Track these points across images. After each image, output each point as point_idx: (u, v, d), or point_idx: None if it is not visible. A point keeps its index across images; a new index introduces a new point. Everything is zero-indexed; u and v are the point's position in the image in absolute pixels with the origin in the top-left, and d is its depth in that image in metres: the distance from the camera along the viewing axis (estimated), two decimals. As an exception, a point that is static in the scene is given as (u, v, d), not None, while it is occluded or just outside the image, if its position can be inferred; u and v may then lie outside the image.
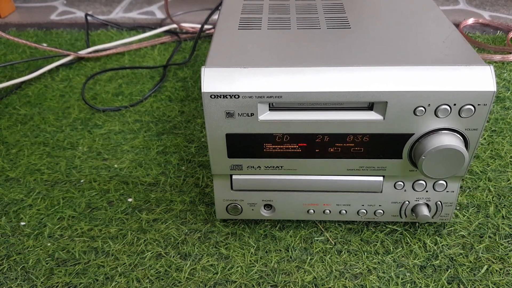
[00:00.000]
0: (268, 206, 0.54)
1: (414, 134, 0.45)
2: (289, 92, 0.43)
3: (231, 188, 0.52)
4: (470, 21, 1.07)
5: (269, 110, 0.45)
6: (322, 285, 0.49)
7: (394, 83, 0.42)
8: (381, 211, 0.53)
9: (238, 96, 0.43)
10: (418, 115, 0.44)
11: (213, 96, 0.44)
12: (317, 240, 0.54)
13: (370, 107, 0.45)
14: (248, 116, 0.45)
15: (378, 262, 0.52)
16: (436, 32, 0.50)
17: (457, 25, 1.05)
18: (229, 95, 0.44)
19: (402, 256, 0.52)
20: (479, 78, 0.42)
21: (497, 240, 0.54)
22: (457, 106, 0.43)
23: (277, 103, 0.45)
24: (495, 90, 0.42)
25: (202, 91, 0.43)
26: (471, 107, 0.43)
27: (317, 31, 0.51)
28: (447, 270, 0.50)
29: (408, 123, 0.44)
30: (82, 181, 0.64)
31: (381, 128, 0.45)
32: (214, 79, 0.44)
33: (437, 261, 0.51)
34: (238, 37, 0.50)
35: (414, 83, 0.42)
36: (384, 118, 0.44)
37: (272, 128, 0.46)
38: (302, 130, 0.46)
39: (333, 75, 0.43)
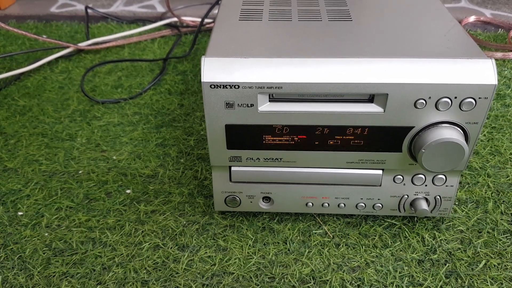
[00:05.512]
0: (266, 199, 0.54)
1: (414, 127, 0.45)
2: (290, 83, 0.43)
3: (230, 180, 0.52)
4: (472, 19, 1.06)
5: (269, 101, 0.45)
6: (320, 278, 0.49)
7: (395, 75, 0.42)
8: (380, 205, 0.53)
9: (238, 87, 0.43)
10: (418, 108, 0.43)
11: (213, 86, 0.43)
12: (315, 233, 0.54)
13: (370, 99, 0.45)
14: (248, 107, 0.45)
15: (376, 255, 0.51)
16: (438, 25, 0.50)
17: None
18: (229, 85, 0.43)
19: (400, 250, 0.52)
20: (480, 71, 0.42)
21: (495, 235, 0.53)
22: (458, 99, 0.43)
23: (277, 94, 0.45)
24: (496, 83, 0.42)
25: (202, 80, 0.43)
26: (472, 100, 0.43)
27: (318, 23, 0.51)
28: (445, 265, 0.50)
29: (409, 116, 0.44)
30: (80, 172, 0.64)
31: (381, 120, 0.45)
32: (214, 69, 0.43)
33: (435, 256, 0.51)
34: (238, 28, 0.50)
35: (415, 75, 0.42)
36: (384, 110, 0.44)
37: (272, 120, 0.46)
38: (301, 122, 0.46)
39: (334, 67, 0.43)
